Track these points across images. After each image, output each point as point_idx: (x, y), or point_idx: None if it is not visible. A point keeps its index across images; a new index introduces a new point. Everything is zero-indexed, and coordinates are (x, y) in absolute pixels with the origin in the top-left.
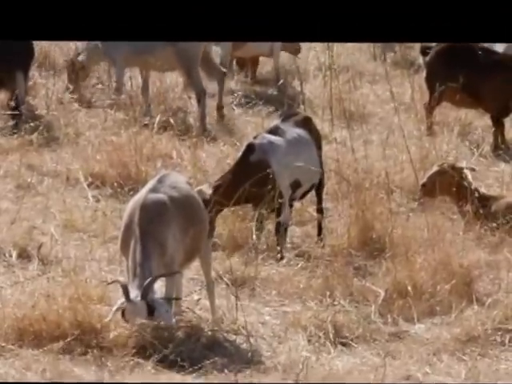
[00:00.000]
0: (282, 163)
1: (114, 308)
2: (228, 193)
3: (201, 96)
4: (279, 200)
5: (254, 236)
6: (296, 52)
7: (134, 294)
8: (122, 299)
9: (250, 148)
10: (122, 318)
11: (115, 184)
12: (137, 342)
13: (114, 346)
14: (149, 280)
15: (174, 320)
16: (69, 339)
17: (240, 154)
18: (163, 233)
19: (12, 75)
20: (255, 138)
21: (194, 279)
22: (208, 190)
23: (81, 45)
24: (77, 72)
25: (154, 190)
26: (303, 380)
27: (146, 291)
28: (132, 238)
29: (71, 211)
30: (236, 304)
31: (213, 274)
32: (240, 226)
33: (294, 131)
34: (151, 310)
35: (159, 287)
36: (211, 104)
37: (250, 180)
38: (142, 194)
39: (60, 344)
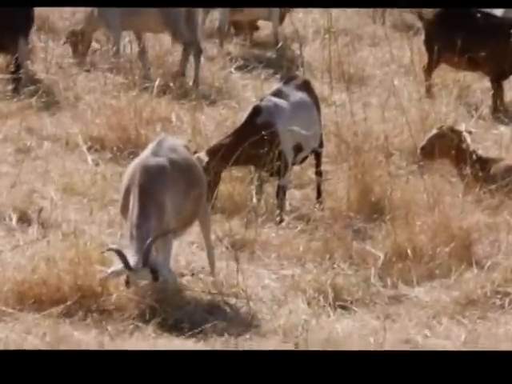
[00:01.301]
0: (287, 126)
1: (111, 270)
2: (233, 152)
3: (189, 50)
4: (281, 163)
5: (254, 199)
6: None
7: (135, 260)
8: (121, 264)
9: (257, 110)
10: (126, 286)
11: (115, 148)
12: (137, 305)
13: (115, 310)
14: (148, 243)
15: (177, 280)
16: (69, 303)
17: (246, 115)
18: (163, 195)
19: (13, 40)
20: (261, 100)
21: (194, 243)
22: (205, 158)
23: (79, 14)
24: (79, 42)
25: (154, 153)
26: (303, 343)
27: (146, 256)
28: (131, 200)
29: (71, 175)
30: (236, 267)
31: (212, 237)
32: (240, 188)
33: (296, 94)
34: (155, 275)
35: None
36: (211, 69)
37: (254, 143)
38: (142, 157)
39: (60, 308)
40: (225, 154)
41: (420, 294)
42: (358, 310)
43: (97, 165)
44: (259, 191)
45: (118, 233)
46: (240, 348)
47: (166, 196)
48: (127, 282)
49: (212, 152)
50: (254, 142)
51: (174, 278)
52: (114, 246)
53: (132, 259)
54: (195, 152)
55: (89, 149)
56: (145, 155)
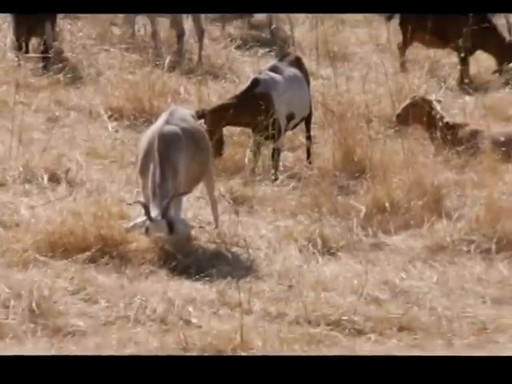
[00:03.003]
0: (281, 97)
1: (134, 222)
2: (233, 114)
3: (180, 36)
4: (276, 129)
5: (252, 160)
6: None
7: (156, 212)
8: (143, 217)
9: (256, 82)
10: (145, 234)
11: (131, 117)
12: (152, 252)
13: (133, 256)
14: (167, 200)
15: (191, 232)
16: (93, 250)
17: (245, 85)
18: (177, 159)
19: (42, 24)
20: (259, 73)
21: (200, 198)
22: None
23: None
24: None
25: (167, 122)
26: (296, 285)
27: (166, 210)
28: (151, 163)
29: (94, 140)
30: (237, 220)
31: (216, 193)
32: (239, 151)
33: (289, 70)
34: (171, 227)
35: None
36: (215, 48)
37: (251, 108)
38: (158, 125)
39: (85, 255)
40: (224, 112)
41: (397, 242)
42: (343, 255)
43: (116, 131)
44: (257, 154)
45: (134, 190)
46: (241, 289)
47: (180, 160)
48: (146, 231)
49: (214, 110)
50: (252, 109)
51: (187, 230)
52: (140, 200)
53: (153, 211)
54: (200, 117)
55: (109, 117)
56: (160, 124)
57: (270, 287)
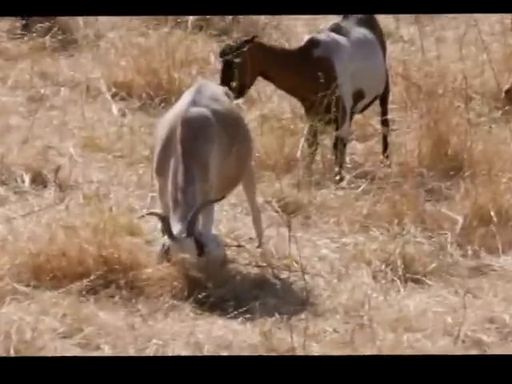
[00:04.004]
0: (347, 67)
1: (160, 248)
2: (278, 72)
3: None
4: (339, 111)
5: (307, 154)
6: None
7: (179, 228)
8: (159, 232)
9: (313, 42)
10: (165, 259)
11: (144, 95)
12: (174, 281)
13: (147, 286)
14: (194, 210)
15: (226, 256)
16: (93, 278)
17: (300, 46)
18: (208, 153)
19: None
20: (318, 33)
21: (237, 206)
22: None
23: None
24: None
25: (194, 102)
26: (368, 324)
27: (192, 224)
28: (171, 159)
29: (93, 127)
30: (288, 235)
31: (259, 199)
32: (290, 141)
33: (357, 31)
34: (200, 246)
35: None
36: None
37: (304, 74)
38: (181, 106)
39: (83, 284)
40: (270, 57)
41: (506, 264)
42: (433, 283)
43: (123, 115)
44: (314, 145)
45: (147, 195)
46: (293, 329)
47: (211, 154)
48: (166, 253)
49: (260, 45)
50: (305, 77)
51: (221, 250)
52: (155, 210)
53: (175, 227)
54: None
55: (113, 96)
56: (183, 105)
57: (332, 327)
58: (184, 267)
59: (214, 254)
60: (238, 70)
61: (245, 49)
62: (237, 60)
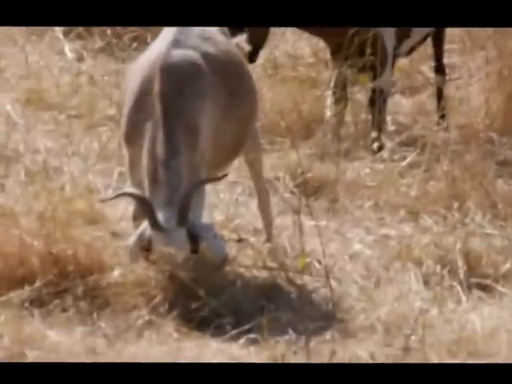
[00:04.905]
0: None
1: (133, 242)
2: None
3: None
4: (378, 53)
5: (335, 112)
6: None
7: (165, 215)
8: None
9: None
10: (144, 256)
11: (108, 31)
12: (153, 288)
13: (113, 296)
14: (186, 192)
15: (227, 250)
16: (39, 284)
17: None
18: (197, 112)
19: None
20: None
21: (237, 184)
22: (246, 46)
23: None
24: None
25: (178, 42)
26: (419, 345)
27: (184, 210)
28: (147, 120)
29: (39, 76)
30: (306, 226)
31: (267, 175)
32: (311, 96)
33: None
34: (195, 241)
35: None
36: None
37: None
38: (160, 48)
39: (25, 292)
40: None
41: None
42: (507, 291)
43: (80, 59)
44: (342, 99)
45: (115, 170)
46: (315, 353)
47: (202, 114)
48: (148, 251)
49: None
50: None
51: (221, 247)
52: (129, 189)
53: (161, 213)
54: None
55: (65, 34)
56: (163, 46)
57: (368, 351)
58: (167, 269)
59: (216, 251)
60: None
61: None
62: None
